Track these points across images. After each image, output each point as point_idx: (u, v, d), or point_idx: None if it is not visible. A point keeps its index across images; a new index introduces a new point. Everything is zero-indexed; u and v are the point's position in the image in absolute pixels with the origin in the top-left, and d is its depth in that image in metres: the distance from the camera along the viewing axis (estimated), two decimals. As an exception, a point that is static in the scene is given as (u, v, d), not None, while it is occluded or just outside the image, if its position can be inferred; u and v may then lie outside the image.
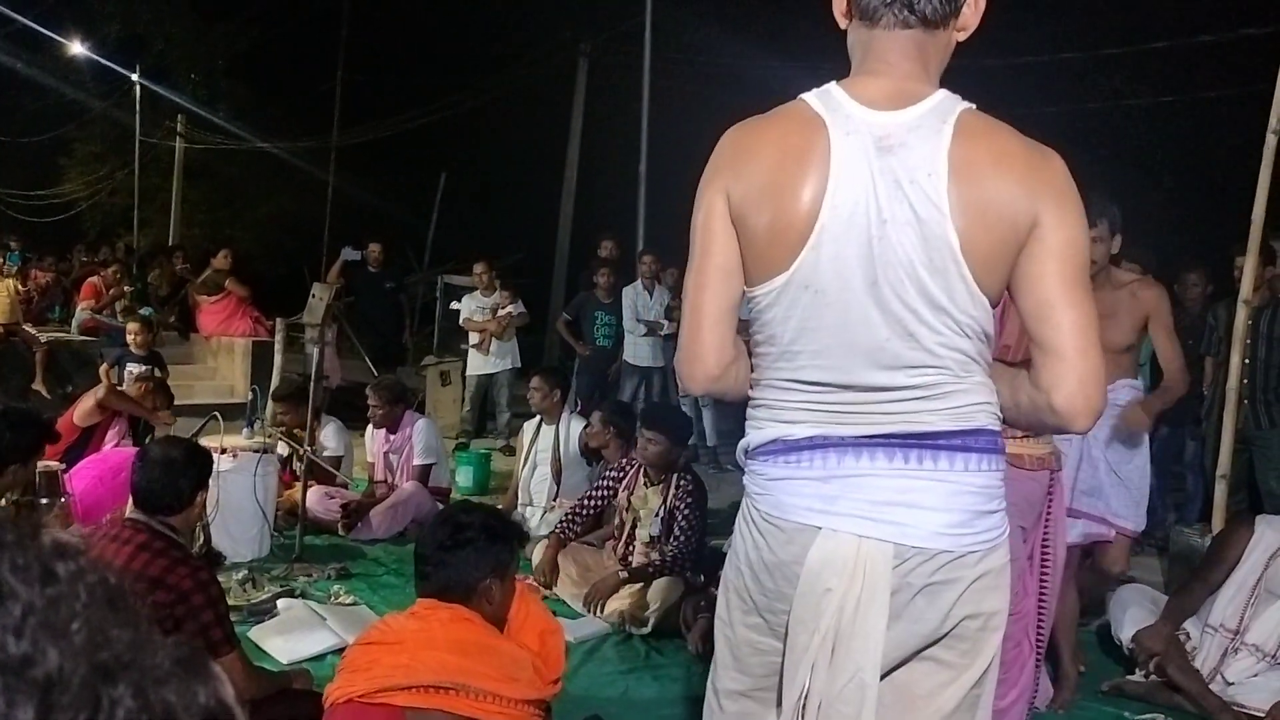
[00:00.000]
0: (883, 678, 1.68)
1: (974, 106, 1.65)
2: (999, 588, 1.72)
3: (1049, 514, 3.21)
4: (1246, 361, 5.19)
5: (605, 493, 5.22)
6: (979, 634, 1.71)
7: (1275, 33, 4.76)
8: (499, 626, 2.63)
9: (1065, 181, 1.62)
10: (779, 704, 1.75)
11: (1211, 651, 3.82)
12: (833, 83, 1.68)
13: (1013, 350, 3.08)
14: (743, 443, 1.79)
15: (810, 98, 1.67)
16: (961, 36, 1.70)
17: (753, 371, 1.78)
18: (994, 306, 1.65)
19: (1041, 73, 13.19)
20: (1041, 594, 3.24)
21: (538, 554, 5.13)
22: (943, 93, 1.65)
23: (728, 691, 1.83)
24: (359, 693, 2.42)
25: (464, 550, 2.56)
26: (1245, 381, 5.28)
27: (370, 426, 6.52)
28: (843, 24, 1.71)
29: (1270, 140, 4.63)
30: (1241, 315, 4.80)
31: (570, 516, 5.25)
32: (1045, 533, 3.23)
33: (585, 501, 5.29)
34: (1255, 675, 3.71)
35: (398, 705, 2.38)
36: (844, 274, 1.61)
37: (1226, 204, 4.96)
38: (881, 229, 1.58)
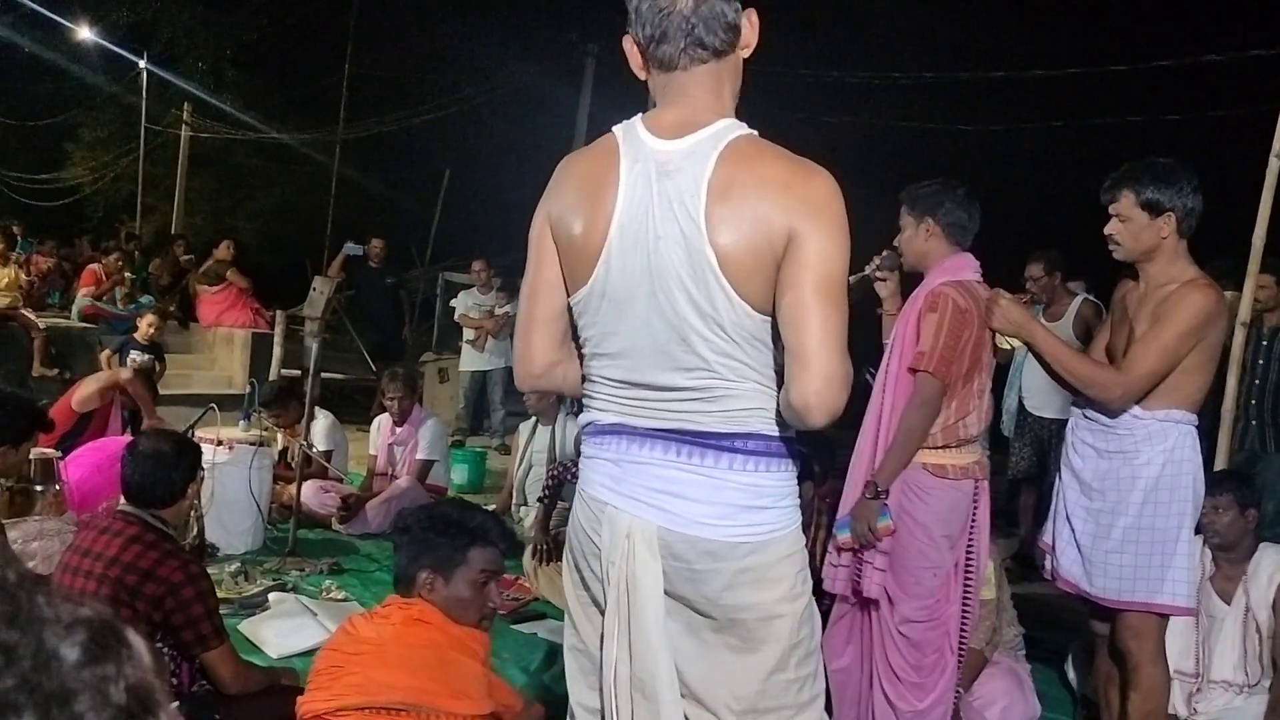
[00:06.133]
0: (694, 664, 1.87)
1: (754, 134, 1.82)
2: (774, 580, 1.85)
3: (974, 523, 3.23)
4: (1257, 383, 5.21)
5: None
6: (756, 623, 1.85)
7: (1281, 55, 4.75)
8: (458, 620, 2.57)
9: (824, 198, 1.75)
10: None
11: (1175, 700, 3.55)
12: (640, 114, 1.88)
13: (927, 357, 3.09)
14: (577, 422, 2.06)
15: (617, 129, 1.88)
16: (745, 53, 1.87)
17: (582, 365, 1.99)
18: (762, 315, 1.77)
19: (1043, 88, 13.20)
20: (965, 601, 3.27)
21: (528, 555, 5.15)
22: (726, 121, 1.81)
23: (569, 647, 2.05)
24: (320, 710, 2.42)
25: (403, 537, 2.59)
26: (1254, 403, 5.28)
27: (377, 417, 6.55)
28: (641, 76, 1.88)
29: (1273, 164, 4.63)
30: (1239, 338, 4.80)
31: (554, 480, 5.44)
32: (970, 541, 3.25)
33: (570, 469, 5.40)
34: (1232, 706, 3.63)
35: None
36: (630, 285, 1.81)
37: (1227, 226, 4.94)
38: (656, 245, 1.77)
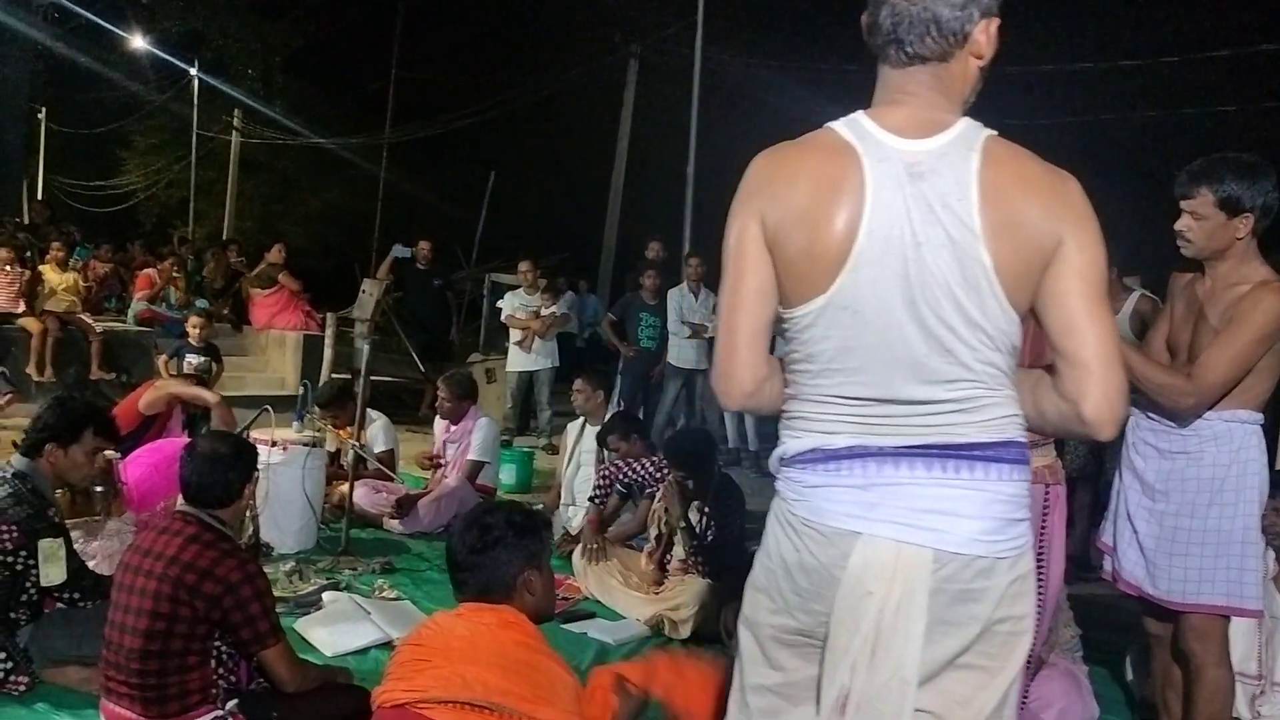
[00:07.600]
0: (924, 683, 1.74)
1: (996, 133, 1.73)
2: (1028, 593, 1.79)
3: (1044, 529, 3.11)
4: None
5: (642, 479, 5.36)
6: (1010, 637, 1.78)
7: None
8: (543, 617, 2.65)
9: (1084, 204, 1.71)
10: (818, 702, 1.80)
11: (1238, 703, 3.46)
12: (859, 112, 1.76)
13: (1027, 361, 2.98)
14: (778, 451, 1.84)
15: (839, 126, 1.75)
16: (979, 63, 1.77)
17: (787, 386, 1.84)
18: (1021, 322, 1.72)
19: (1091, 81, 13.00)
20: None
21: (578, 554, 5.17)
22: (966, 121, 1.73)
23: (755, 687, 1.89)
24: (400, 699, 2.44)
25: (495, 550, 2.58)
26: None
27: (438, 416, 6.62)
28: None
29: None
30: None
31: (604, 483, 5.44)
32: (1041, 551, 3.11)
33: (622, 469, 5.45)
34: None
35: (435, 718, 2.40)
36: (882, 295, 1.68)
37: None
38: (917, 251, 1.66)
